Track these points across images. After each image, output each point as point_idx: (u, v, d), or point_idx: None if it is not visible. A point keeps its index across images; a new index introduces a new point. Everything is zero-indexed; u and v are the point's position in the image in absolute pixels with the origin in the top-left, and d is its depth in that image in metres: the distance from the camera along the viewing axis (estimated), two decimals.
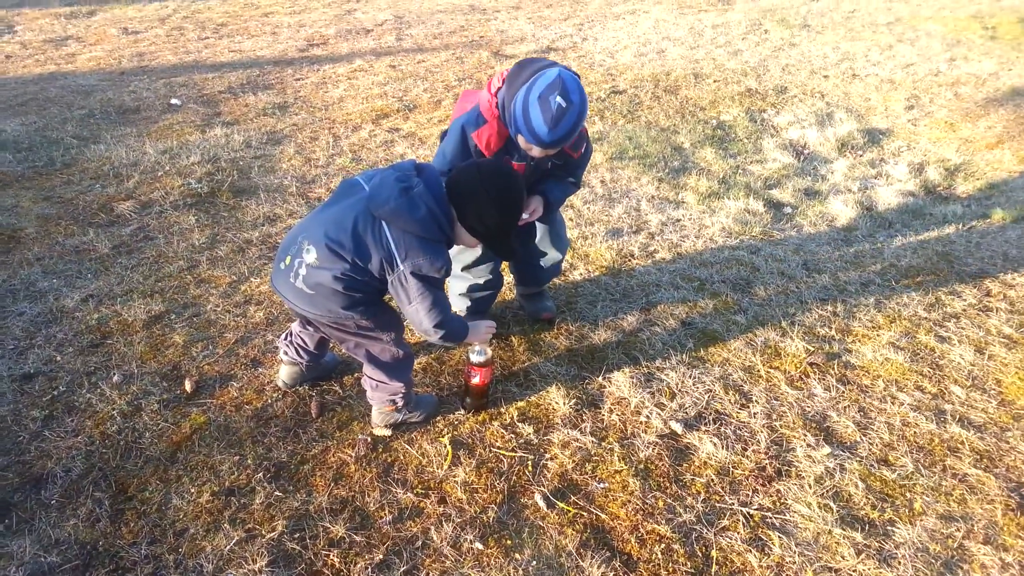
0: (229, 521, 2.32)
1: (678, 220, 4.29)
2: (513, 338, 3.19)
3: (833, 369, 3.06)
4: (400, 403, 2.63)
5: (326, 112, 5.65)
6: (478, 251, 2.99)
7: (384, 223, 2.20)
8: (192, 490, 2.42)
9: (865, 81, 6.97)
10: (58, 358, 2.96)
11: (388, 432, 2.66)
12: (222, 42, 7.36)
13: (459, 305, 3.20)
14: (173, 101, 5.72)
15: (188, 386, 2.84)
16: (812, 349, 3.18)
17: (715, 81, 6.81)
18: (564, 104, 2.36)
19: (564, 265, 3.70)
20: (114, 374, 2.89)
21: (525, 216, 2.76)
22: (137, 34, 7.51)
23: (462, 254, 3.03)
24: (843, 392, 2.96)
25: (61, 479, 2.44)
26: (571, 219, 4.20)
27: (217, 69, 6.54)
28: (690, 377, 3.00)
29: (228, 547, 2.23)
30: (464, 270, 3.08)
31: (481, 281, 3.10)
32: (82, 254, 3.66)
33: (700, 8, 9.67)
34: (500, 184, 2.26)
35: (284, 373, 2.84)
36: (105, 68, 6.46)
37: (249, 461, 2.53)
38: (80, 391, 2.80)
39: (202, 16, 8.29)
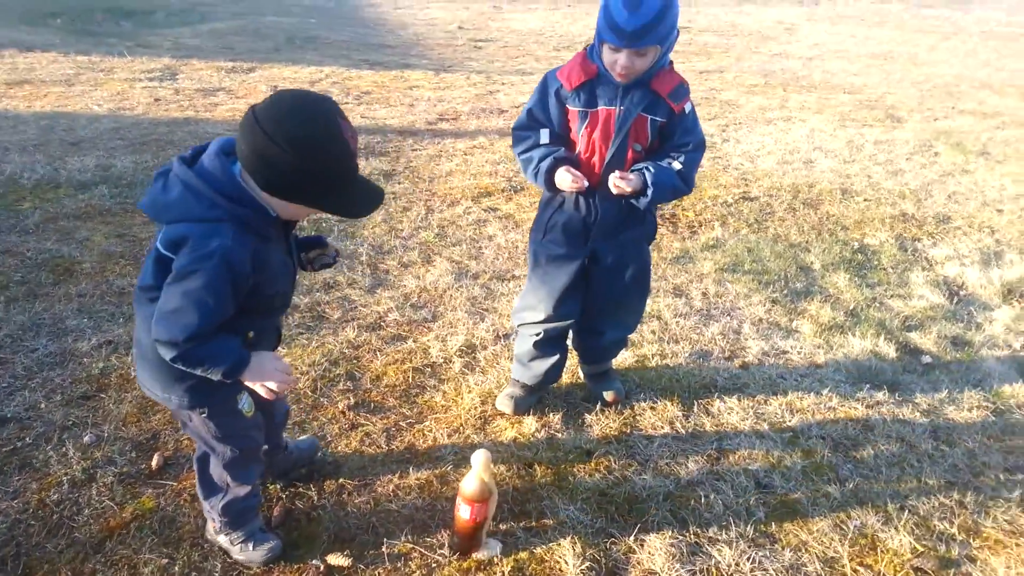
0: None
1: (784, 352, 3.61)
2: (537, 466, 2.64)
3: None
4: (216, 524, 2.14)
5: (429, 184, 5.43)
6: (539, 308, 2.74)
7: (158, 230, 1.66)
8: None
9: None
10: (42, 405, 2.73)
11: (347, 562, 2.18)
12: (359, 108, 7.44)
13: (515, 373, 2.95)
14: None
15: (155, 461, 2.51)
16: (921, 549, 2.40)
17: (865, 200, 6.05)
18: None
19: (627, 388, 3.13)
20: (86, 434, 2.60)
21: (614, 179, 2.38)
22: None
23: (520, 311, 2.82)
24: None
25: None
26: (653, 331, 3.63)
27: None
28: (750, 559, 2.32)
29: None
30: (522, 326, 2.86)
31: (532, 346, 2.84)
32: (124, 297, 3.49)
33: (865, 122, 8.91)
34: (281, 115, 1.54)
35: None
36: (237, 119, 6.61)
37: (176, 568, 2.12)
38: (45, 447, 2.53)
39: (351, 83, 8.50)
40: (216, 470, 2.05)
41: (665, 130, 2.46)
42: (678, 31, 2.39)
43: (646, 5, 2.16)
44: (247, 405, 1.95)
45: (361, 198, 1.71)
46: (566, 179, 2.41)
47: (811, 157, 7.17)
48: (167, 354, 1.65)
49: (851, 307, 4.19)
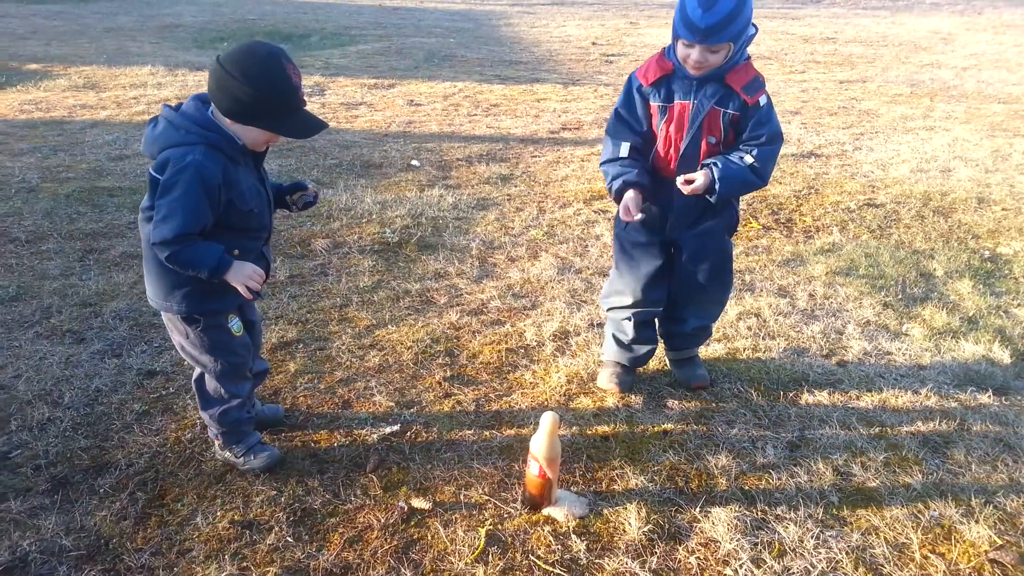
0: (231, 554, 2.21)
1: (888, 353, 3.54)
2: (613, 440, 2.78)
3: None
4: (220, 440, 2.48)
5: (544, 188, 5.66)
6: (626, 293, 2.90)
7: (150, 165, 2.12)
8: (218, 513, 2.36)
9: None
10: (185, 363, 3.14)
11: (427, 505, 2.41)
12: (486, 119, 7.80)
13: (611, 355, 3.08)
14: (413, 162, 6.12)
15: None
16: (1001, 542, 2.35)
17: (1004, 209, 5.72)
18: None
19: (714, 376, 3.20)
20: None
21: (680, 183, 2.56)
22: (419, 106, 8.25)
23: (609, 296, 2.98)
24: None
25: (120, 471, 2.53)
26: (749, 327, 3.66)
27: (467, 140, 6.92)
28: (815, 537, 2.35)
29: None
30: (611, 311, 3.01)
31: (628, 330, 2.99)
32: None
33: (1017, 132, 8.34)
34: (238, 56, 2.03)
35: None
36: (374, 129, 7.14)
37: (283, 499, 2.43)
38: (184, 396, 2.93)
39: (481, 96, 8.90)
40: (211, 384, 2.42)
41: (739, 123, 2.56)
42: (755, 28, 2.49)
43: (720, 3, 2.29)
44: (237, 326, 2.36)
45: (305, 124, 2.14)
46: (622, 209, 2.62)
47: (949, 166, 6.84)
48: (162, 254, 2.07)
49: (970, 314, 4.03)
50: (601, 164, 2.75)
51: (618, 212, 2.83)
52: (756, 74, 2.52)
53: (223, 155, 2.08)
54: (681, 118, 2.55)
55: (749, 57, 2.55)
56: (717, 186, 2.52)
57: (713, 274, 2.83)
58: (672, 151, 2.61)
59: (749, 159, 2.53)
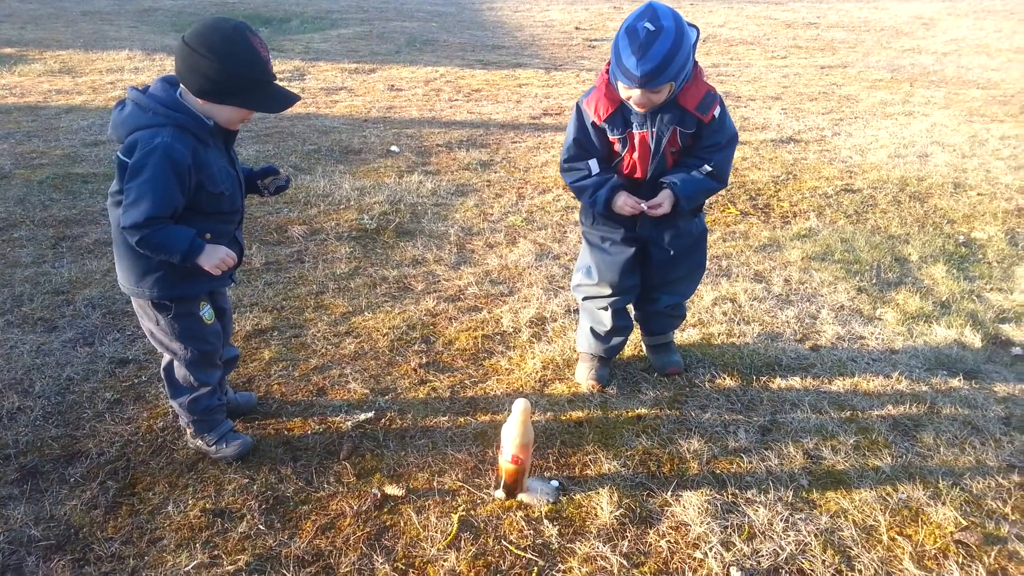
0: (202, 543, 2.21)
1: (861, 338, 3.58)
2: (587, 425, 2.79)
3: (988, 557, 2.26)
4: (191, 429, 2.48)
5: (524, 174, 5.65)
6: (602, 284, 2.86)
7: (118, 148, 2.08)
8: (189, 502, 2.36)
9: None
10: (156, 351, 3.12)
11: (400, 492, 2.42)
12: (467, 104, 7.77)
13: (588, 347, 3.05)
14: (392, 148, 6.08)
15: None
16: (966, 523, 2.38)
17: (979, 194, 5.77)
18: (653, 28, 2.18)
19: (688, 362, 3.22)
20: None
21: (644, 206, 2.56)
22: (400, 91, 8.20)
23: (583, 286, 2.94)
24: None
25: (91, 460, 2.52)
26: (724, 312, 3.68)
27: (447, 126, 6.89)
28: (784, 520, 2.38)
29: (186, 568, 2.12)
30: (586, 300, 2.98)
31: (606, 320, 2.96)
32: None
33: (995, 118, 8.41)
34: (203, 33, 1.99)
35: None
36: (353, 115, 7.10)
37: (255, 487, 2.43)
38: (156, 384, 2.92)
39: (463, 82, 8.85)
40: (180, 371, 2.41)
41: (695, 134, 2.58)
42: (693, 61, 2.45)
43: (656, 47, 2.23)
44: (208, 313, 2.35)
45: (278, 97, 2.11)
46: (625, 206, 2.60)
47: (927, 151, 6.88)
48: (133, 238, 2.04)
49: (943, 298, 4.07)
50: (573, 183, 2.70)
51: (583, 208, 2.82)
52: (707, 89, 2.49)
53: (192, 136, 2.06)
54: (644, 145, 2.55)
55: (696, 65, 2.49)
56: (682, 204, 2.59)
57: (687, 255, 2.87)
58: (639, 171, 2.64)
59: (708, 167, 2.58)
